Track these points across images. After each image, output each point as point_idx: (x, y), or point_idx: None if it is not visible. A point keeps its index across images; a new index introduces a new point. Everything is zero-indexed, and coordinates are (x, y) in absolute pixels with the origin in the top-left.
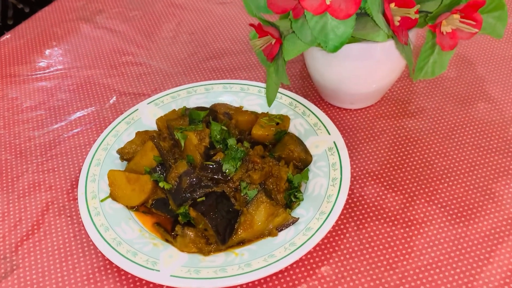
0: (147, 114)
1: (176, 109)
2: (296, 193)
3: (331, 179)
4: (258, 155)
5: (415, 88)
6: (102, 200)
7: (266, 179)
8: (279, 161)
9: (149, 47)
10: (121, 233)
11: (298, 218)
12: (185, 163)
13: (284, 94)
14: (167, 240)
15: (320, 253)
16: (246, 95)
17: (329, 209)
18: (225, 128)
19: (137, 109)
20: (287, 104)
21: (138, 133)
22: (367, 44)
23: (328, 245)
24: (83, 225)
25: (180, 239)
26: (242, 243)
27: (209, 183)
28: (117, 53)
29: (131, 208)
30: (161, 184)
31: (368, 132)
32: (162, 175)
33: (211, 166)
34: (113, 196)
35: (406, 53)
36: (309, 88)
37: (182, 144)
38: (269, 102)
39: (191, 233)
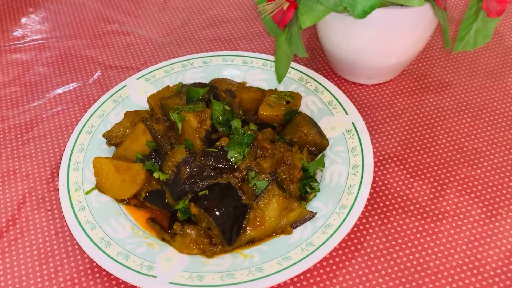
0: (136, 91)
1: (171, 86)
2: (311, 183)
3: (351, 166)
4: (268, 140)
5: (438, 61)
6: (87, 192)
7: (278, 168)
8: (292, 146)
9: (137, 14)
10: (110, 232)
11: (316, 212)
12: (183, 149)
13: (293, 68)
14: (164, 239)
15: (340, 252)
16: (249, 69)
17: (351, 202)
18: (228, 107)
19: (125, 86)
20: (297, 79)
21: (127, 114)
22: (395, 10)
23: (350, 243)
24: (66, 221)
25: (179, 238)
26: (251, 242)
27: (212, 173)
28: (102, 21)
29: (121, 201)
30: (155, 175)
31: (388, 111)
32: (156, 164)
33: (214, 153)
34: (100, 187)
35: (444, 20)
36: (319, 60)
37: (179, 127)
38: (279, 78)
39: (192, 232)
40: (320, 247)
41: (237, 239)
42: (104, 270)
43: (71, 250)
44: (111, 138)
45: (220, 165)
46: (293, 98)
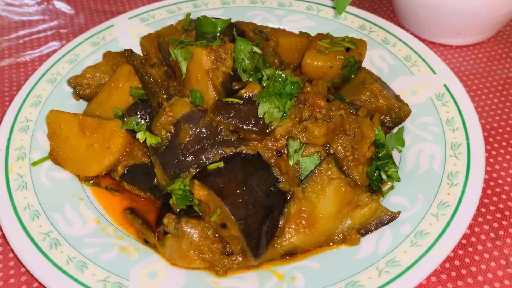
0: (127, 34)
1: (174, 24)
2: (389, 167)
3: (449, 145)
4: (321, 95)
5: None
6: (34, 163)
7: (335, 139)
8: (357, 110)
9: None
10: (62, 225)
11: (398, 212)
12: (187, 101)
13: (351, 13)
14: (146, 242)
15: (444, 277)
16: (287, 14)
17: (455, 198)
18: (259, 50)
19: (112, 25)
20: (357, 27)
21: (107, 54)
22: None
23: (455, 264)
24: None
25: (172, 241)
26: (291, 254)
27: (231, 137)
28: None
29: (85, 179)
30: (140, 136)
31: (486, 79)
32: (143, 121)
33: (235, 106)
34: (55, 156)
35: None
36: (378, 11)
37: (183, 70)
38: (340, 7)
39: (193, 231)
40: (410, 269)
41: (269, 246)
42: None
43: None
44: (80, 86)
45: (245, 126)
46: (356, 45)
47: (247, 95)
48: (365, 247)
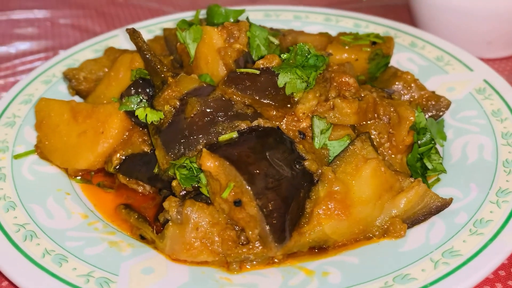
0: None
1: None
2: (433, 155)
3: (499, 134)
4: (349, 73)
5: None
6: (17, 156)
7: (367, 124)
8: (391, 94)
9: None
10: (41, 217)
11: (451, 199)
12: (195, 77)
13: (373, 22)
14: (142, 238)
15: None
16: (304, 25)
17: None
18: (276, 40)
19: (117, 35)
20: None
21: (109, 50)
22: None
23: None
24: None
25: (173, 230)
26: (321, 249)
27: (246, 110)
28: None
29: (74, 174)
30: (139, 113)
31: None
32: (143, 100)
33: (251, 77)
34: (42, 149)
35: None
36: (394, 16)
37: (191, 52)
38: None
39: (199, 215)
40: (473, 259)
41: (294, 233)
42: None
43: None
44: (77, 80)
45: (262, 98)
46: (383, 40)
47: (266, 67)
48: (412, 239)
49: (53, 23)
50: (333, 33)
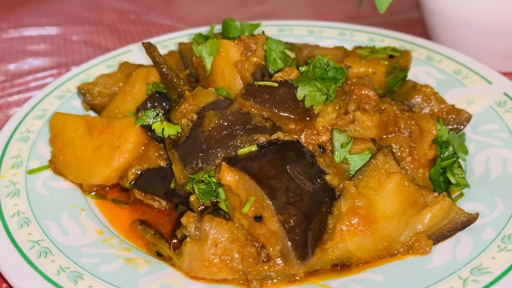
0: (146, 59)
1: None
2: (456, 169)
3: None
4: (369, 86)
5: None
6: (31, 171)
7: (388, 138)
8: (411, 107)
9: None
10: (56, 233)
11: (477, 214)
12: (212, 90)
13: (388, 36)
14: (159, 255)
15: None
16: (318, 40)
17: None
18: (292, 54)
19: (130, 51)
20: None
21: (123, 65)
22: None
23: None
24: None
25: (191, 246)
26: (344, 266)
27: (265, 123)
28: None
29: (89, 190)
30: (156, 127)
31: None
32: (160, 114)
33: (269, 90)
34: (57, 163)
35: None
36: (408, 30)
37: (208, 66)
38: (382, 6)
39: (218, 230)
40: (503, 276)
41: (316, 250)
42: None
43: None
44: (91, 95)
45: (281, 111)
46: (400, 53)
47: (284, 79)
48: (438, 256)
49: (65, 39)
50: (348, 47)
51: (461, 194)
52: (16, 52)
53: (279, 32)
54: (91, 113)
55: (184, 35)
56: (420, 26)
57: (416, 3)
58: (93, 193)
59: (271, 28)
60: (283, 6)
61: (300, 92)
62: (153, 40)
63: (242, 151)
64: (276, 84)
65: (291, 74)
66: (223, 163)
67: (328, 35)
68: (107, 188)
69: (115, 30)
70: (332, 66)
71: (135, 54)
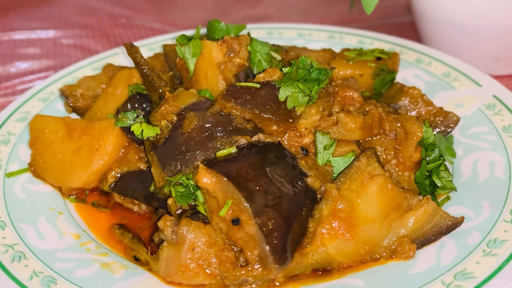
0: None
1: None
2: (442, 172)
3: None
4: (353, 88)
5: None
6: (10, 174)
7: (373, 140)
8: (397, 109)
9: None
10: (32, 238)
11: (462, 217)
12: (194, 92)
13: (378, 39)
14: (136, 259)
15: None
16: (307, 43)
17: None
18: (278, 56)
19: (117, 53)
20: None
21: (107, 67)
22: None
23: None
24: None
25: (168, 251)
26: (325, 271)
27: (246, 125)
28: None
29: (68, 193)
30: (135, 129)
31: None
32: (140, 115)
33: (251, 91)
34: (35, 167)
35: None
36: (399, 34)
37: (191, 67)
38: (368, 7)
39: (195, 233)
40: (487, 282)
41: (296, 254)
42: None
43: None
44: (74, 97)
45: (263, 113)
46: (388, 55)
47: (266, 80)
48: (422, 260)
49: (55, 43)
50: (337, 50)
51: (448, 198)
52: (4, 56)
53: (268, 35)
54: (74, 116)
55: (171, 38)
56: (412, 30)
57: (407, 7)
58: (72, 196)
59: (260, 31)
60: (276, 10)
61: (282, 93)
62: (140, 43)
63: (221, 153)
64: (258, 85)
65: (273, 75)
66: (200, 165)
67: (318, 37)
68: (87, 192)
69: (105, 34)
70: (316, 67)
71: (122, 56)
